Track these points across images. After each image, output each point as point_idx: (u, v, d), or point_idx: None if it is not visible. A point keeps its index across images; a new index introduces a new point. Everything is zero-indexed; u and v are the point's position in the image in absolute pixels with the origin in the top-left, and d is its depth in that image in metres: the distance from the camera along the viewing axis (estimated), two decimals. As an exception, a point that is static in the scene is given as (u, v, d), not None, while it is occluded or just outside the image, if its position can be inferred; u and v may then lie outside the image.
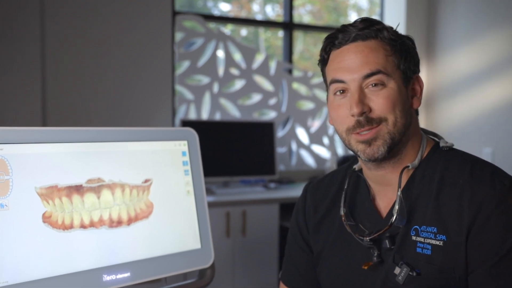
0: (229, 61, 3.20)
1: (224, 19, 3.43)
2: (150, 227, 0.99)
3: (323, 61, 1.01)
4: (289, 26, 3.52)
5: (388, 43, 0.94)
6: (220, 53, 3.20)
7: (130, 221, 0.97)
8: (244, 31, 3.63)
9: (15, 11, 2.61)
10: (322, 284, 1.09)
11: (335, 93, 0.97)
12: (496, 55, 3.08)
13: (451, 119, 3.43)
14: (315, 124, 3.53)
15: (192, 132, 1.09)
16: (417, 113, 1.01)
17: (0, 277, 0.80)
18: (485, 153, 3.08)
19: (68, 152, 0.91)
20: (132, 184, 0.98)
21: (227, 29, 3.49)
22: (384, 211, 1.01)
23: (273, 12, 3.72)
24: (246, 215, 2.65)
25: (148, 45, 2.93)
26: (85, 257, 0.90)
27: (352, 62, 0.93)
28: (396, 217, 0.93)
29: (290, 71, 3.46)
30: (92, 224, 0.92)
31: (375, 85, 0.92)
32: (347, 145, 0.98)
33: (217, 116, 3.17)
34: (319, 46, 1.01)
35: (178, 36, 3.06)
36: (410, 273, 0.91)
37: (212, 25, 3.27)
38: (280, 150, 3.33)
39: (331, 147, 3.50)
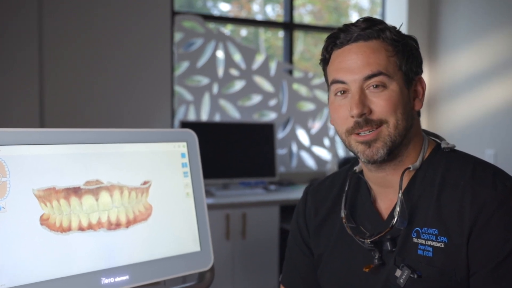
0: (229, 61, 3.19)
1: (223, 19, 3.43)
2: (149, 230, 0.98)
3: (325, 61, 1.00)
4: (289, 26, 3.51)
5: (390, 44, 0.93)
6: (220, 54, 3.19)
7: (128, 223, 0.96)
8: (244, 31, 3.62)
9: (13, 11, 2.61)
10: (323, 287, 1.09)
11: (336, 94, 0.96)
12: (499, 56, 3.07)
13: (453, 121, 3.42)
14: (316, 126, 3.52)
15: (191, 133, 1.09)
16: (419, 114, 1.00)
17: (-3, 281, 0.79)
18: (487, 155, 3.07)
19: (66, 153, 0.90)
20: (131, 186, 0.97)
21: (227, 29, 3.48)
22: (385, 213, 1.00)
23: (273, 12, 3.72)
24: (246, 217, 2.64)
25: (147, 45, 2.92)
26: (83, 260, 0.89)
27: (353, 62, 0.93)
28: (397, 219, 0.92)
29: (290, 72, 3.45)
30: (90, 227, 0.91)
31: (376, 86, 0.92)
32: (347, 146, 0.98)
33: (217, 117, 3.16)
34: (320, 46, 1.01)
35: (178, 36, 3.05)
36: (411, 275, 0.90)
37: (211, 25, 3.27)
38: (280, 151, 3.32)
39: (332, 149, 3.49)
